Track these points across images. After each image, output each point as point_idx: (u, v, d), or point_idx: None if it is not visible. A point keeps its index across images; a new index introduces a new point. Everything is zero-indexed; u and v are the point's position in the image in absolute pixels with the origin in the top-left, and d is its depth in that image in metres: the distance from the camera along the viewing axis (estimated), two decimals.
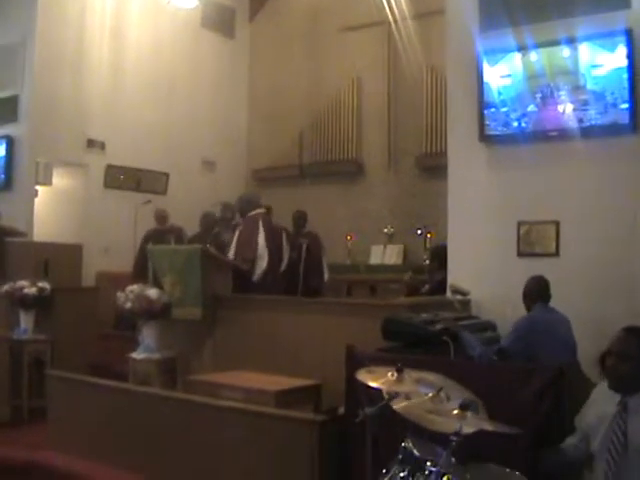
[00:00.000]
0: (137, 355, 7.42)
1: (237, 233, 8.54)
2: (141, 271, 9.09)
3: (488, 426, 3.61)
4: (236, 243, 8.40)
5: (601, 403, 4.02)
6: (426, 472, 3.47)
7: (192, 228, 11.09)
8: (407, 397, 3.92)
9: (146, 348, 7.39)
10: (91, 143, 12.05)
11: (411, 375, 4.01)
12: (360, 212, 12.96)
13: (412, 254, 12.14)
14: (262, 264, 8.37)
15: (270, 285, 8.39)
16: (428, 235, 11.37)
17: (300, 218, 10.19)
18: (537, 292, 5.95)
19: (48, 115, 11.27)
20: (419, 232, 11.65)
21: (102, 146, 12.21)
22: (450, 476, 3.46)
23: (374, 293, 10.83)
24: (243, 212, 8.79)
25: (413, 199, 12.15)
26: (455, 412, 3.52)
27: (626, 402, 3.84)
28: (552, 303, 6.01)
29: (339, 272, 11.69)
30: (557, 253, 7.04)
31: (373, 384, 3.95)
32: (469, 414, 3.53)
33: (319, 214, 12.15)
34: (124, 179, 12.45)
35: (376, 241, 12.61)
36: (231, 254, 8.38)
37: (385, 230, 12.50)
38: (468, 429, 3.47)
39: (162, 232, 10.91)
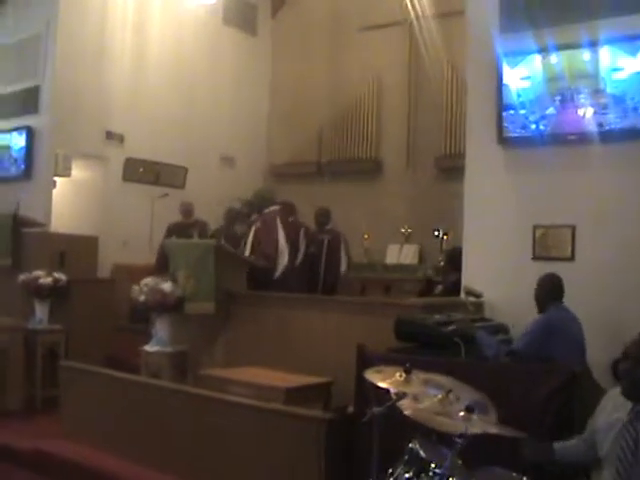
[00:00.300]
0: (150, 348, 7.46)
1: (253, 230, 8.54)
2: (163, 265, 9.09)
3: (494, 429, 3.60)
4: (253, 240, 8.41)
5: (611, 409, 3.98)
6: (430, 474, 3.46)
7: (210, 222, 11.15)
8: (415, 398, 3.92)
9: (159, 341, 7.44)
10: (110, 135, 12.05)
11: (419, 376, 4.00)
12: (378, 211, 12.92)
13: (428, 255, 12.10)
14: (283, 261, 8.40)
15: (290, 282, 8.42)
16: (444, 236, 11.32)
17: (322, 215, 10.18)
18: (552, 290, 5.90)
19: (68, 107, 11.29)
20: (436, 233, 11.61)
21: (121, 139, 12.22)
22: (455, 478, 3.45)
23: (388, 292, 10.80)
24: (259, 208, 8.79)
25: (431, 200, 12.09)
26: (461, 414, 3.51)
27: (638, 410, 3.81)
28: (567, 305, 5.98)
29: (355, 271, 11.66)
30: (572, 257, 7.01)
31: (381, 384, 3.95)
32: (475, 416, 3.52)
33: (336, 212, 12.06)
34: (143, 172, 12.46)
35: (393, 241, 12.56)
36: (247, 250, 8.40)
37: (402, 230, 12.45)
38: (474, 431, 3.46)
39: (186, 226, 10.88)
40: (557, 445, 4.21)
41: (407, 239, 12.44)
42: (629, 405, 3.85)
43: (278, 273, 8.31)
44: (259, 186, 11.84)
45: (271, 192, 9.27)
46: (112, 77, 12.01)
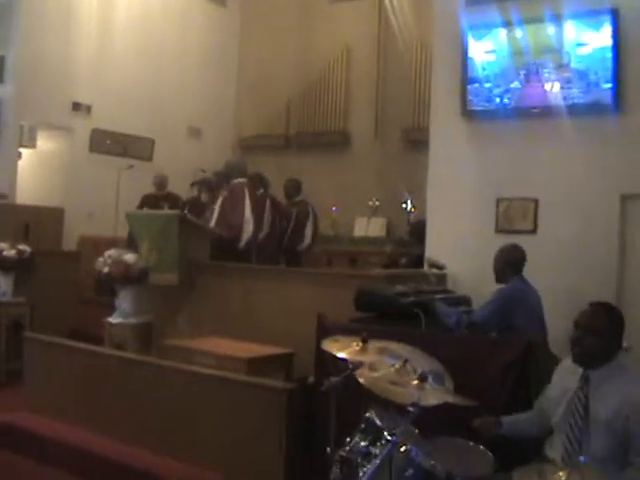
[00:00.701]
0: (113, 319, 7.44)
1: (221, 199, 8.50)
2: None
3: (447, 398, 3.64)
4: (219, 209, 8.37)
5: (564, 378, 4.07)
6: (383, 441, 3.50)
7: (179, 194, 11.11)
8: (372, 367, 3.95)
9: (122, 313, 7.42)
10: (77, 106, 11.94)
11: (376, 345, 4.03)
12: (346, 184, 12.92)
13: (395, 227, 12.16)
14: (248, 232, 8.37)
15: (254, 253, 8.41)
16: (412, 209, 11.37)
17: (291, 187, 10.17)
18: (514, 262, 5.96)
19: (34, 77, 11.15)
20: (404, 206, 11.66)
21: (88, 110, 12.10)
22: (408, 446, 3.49)
23: (354, 265, 10.85)
24: (228, 178, 8.74)
25: (399, 172, 12.10)
26: (414, 383, 3.55)
27: (588, 376, 3.89)
28: (528, 279, 6.04)
29: (322, 243, 11.70)
30: (535, 230, 7.10)
31: (338, 353, 3.98)
32: (428, 385, 3.56)
33: (304, 184, 12.09)
34: (110, 144, 12.36)
35: (360, 213, 12.61)
36: (213, 220, 8.36)
37: (370, 203, 12.49)
38: (428, 401, 3.49)
39: (158, 198, 10.85)
40: (506, 419, 4.28)
41: (375, 212, 12.46)
42: (580, 372, 3.93)
43: (242, 244, 8.27)
44: (227, 158, 11.80)
45: (244, 163, 9.18)
46: (79, 48, 11.87)
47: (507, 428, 4.22)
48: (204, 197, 9.35)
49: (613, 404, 3.73)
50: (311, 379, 5.36)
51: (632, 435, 3.65)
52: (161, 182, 11.16)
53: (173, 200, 10.81)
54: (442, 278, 6.96)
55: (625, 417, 3.66)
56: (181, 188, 11.21)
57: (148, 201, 10.74)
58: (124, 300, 7.46)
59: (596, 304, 4.05)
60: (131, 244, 8.39)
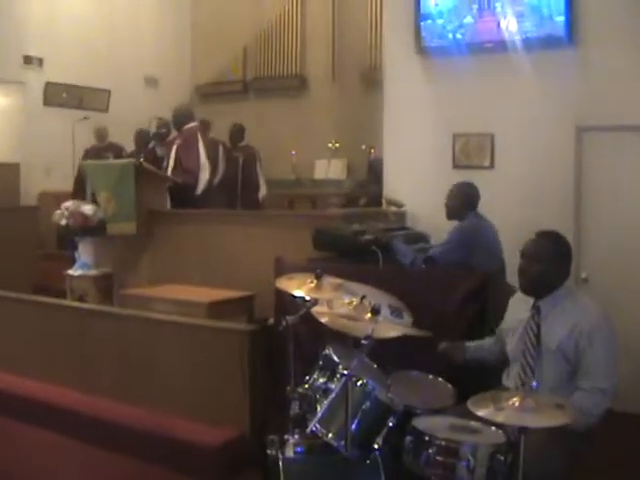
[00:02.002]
0: (73, 272, 7.42)
1: (175, 147, 8.43)
2: (80, 189, 9.00)
3: (402, 330, 3.67)
4: (175, 157, 8.31)
5: (517, 310, 4.13)
6: (338, 375, 3.53)
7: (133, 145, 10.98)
8: (329, 304, 3.97)
9: (82, 265, 7.39)
10: (28, 60, 11.71)
11: (331, 282, 4.04)
12: (305, 127, 12.85)
13: (356, 168, 12.14)
14: (205, 177, 8.33)
15: (212, 199, 8.38)
16: (371, 150, 11.35)
17: (237, 132, 10.11)
18: (469, 199, 5.99)
19: None
20: (363, 147, 11.64)
21: (40, 63, 11.89)
22: (365, 380, 3.52)
23: (315, 207, 10.86)
24: (179, 125, 8.67)
25: (357, 114, 12.01)
26: (367, 316, 3.57)
27: (539, 306, 3.94)
28: (485, 214, 6.07)
29: (283, 187, 11.72)
30: (492, 166, 7.12)
31: (293, 291, 3.99)
32: (382, 318, 3.58)
33: (263, 129, 12.08)
34: (66, 97, 12.16)
35: (320, 156, 12.56)
36: (170, 168, 8.31)
37: (329, 145, 12.43)
38: (382, 333, 3.52)
39: (101, 150, 10.80)
40: (471, 344, 4.34)
41: (335, 154, 12.42)
42: (531, 303, 3.98)
43: (200, 189, 8.23)
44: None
45: (189, 109, 9.10)
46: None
47: (471, 353, 4.28)
48: (159, 151, 9.26)
49: (563, 331, 3.80)
50: (271, 320, 5.39)
51: (580, 359, 3.73)
52: (101, 134, 11.18)
53: (116, 150, 10.78)
54: (401, 216, 6.98)
55: (576, 337, 3.73)
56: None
57: (92, 153, 10.69)
58: (84, 252, 7.44)
59: (541, 233, 4.09)
60: (76, 195, 8.34)
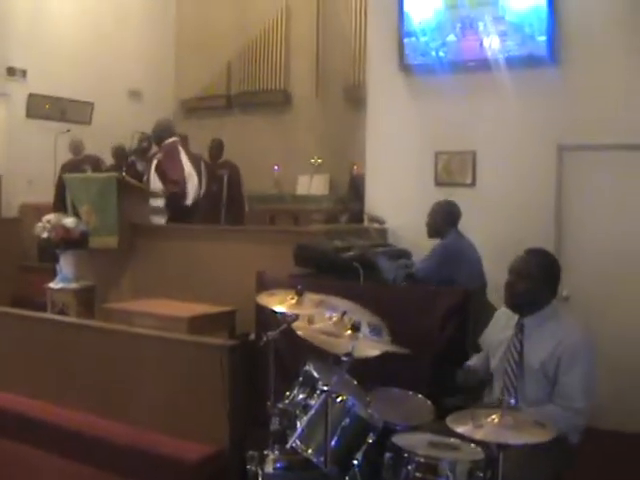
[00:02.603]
0: (54, 285, 7.38)
1: (155, 162, 8.39)
2: (60, 203, 8.97)
3: (382, 347, 3.68)
4: (156, 171, 8.27)
5: (501, 325, 4.16)
6: (318, 392, 3.53)
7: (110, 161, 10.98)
8: (310, 320, 3.98)
9: (63, 278, 7.36)
10: (12, 71, 11.66)
11: (312, 298, 4.05)
12: (288, 143, 12.86)
13: (338, 184, 12.13)
14: (193, 185, 8.32)
15: (201, 209, 8.42)
16: (354, 166, 11.36)
17: (216, 147, 10.13)
18: (449, 217, 6.01)
19: None
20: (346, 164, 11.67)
21: (24, 74, 11.83)
22: (345, 396, 3.53)
23: (297, 222, 10.86)
24: (159, 140, 8.64)
25: (340, 130, 12.06)
26: (347, 333, 3.58)
27: (522, 324, 3.97)
28: (467, 232, 6.10)
29: (265, 202, 11.72)
30: (473, 183, 7.15)
31: (274, 307, 4.00)
32: (362, 335, 3.59)
33: (247, 144, 12.10)
34: (49, 109, 12.13)
35: (303, 171, 12.54)
36: (151, 184, 8.27)
37: (312, 160, 12.42)
38: (362, 351, 3.53)
39: (78, 162, 10.74)
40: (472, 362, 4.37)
41: (317, 169, 12.43)
42: (515, 321, 4.00)
43: (190, 199, 8.22)
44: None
45: (170, 123, 9.07)
46: (11, 11, 11.56)
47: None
48: (140, 166, 9.23)
49: (546, 348, 3.84)
50: (252, 335, 5.39)
51: (559, 378, 3.76)
52: (77, 147, 11.14)
53: (93, 162, 10.74)
54: (383, 232, 7.00)
55: (558, 358, 3.76)
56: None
57: (69, 167, 10.62)
58: (65, 265, 7.41)
59: (530, 250, 4.13)
60: (59, 208, 8.31)
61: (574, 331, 3.93)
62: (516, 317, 4.06)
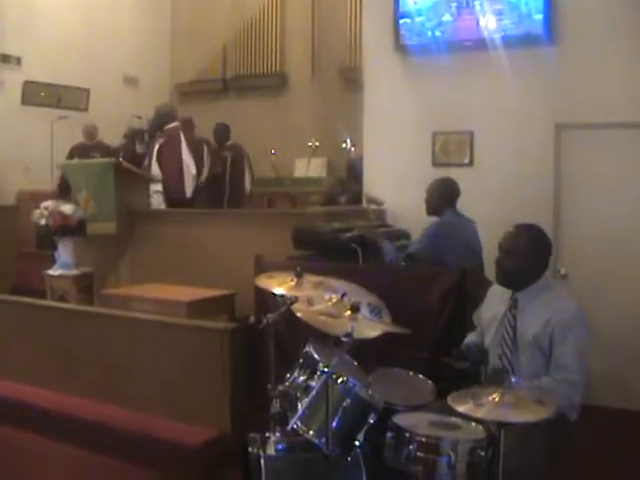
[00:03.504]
0: (53, 272, 7.38)
1: (157, 146, 8.38)
2: (66, 188, 8.93)
3: (382, 327, 3.68)
4: (157, 156, 8.25)
5: (495, 301, 4.18)
6: (318, 373, 3.53)
7: (113, 144, 10.92)
8: (310, 302, 3.98)
9: (62, 265, 7.35)
10: (6, 59, 11.58)
11: (311, 280, 4.05)
12: (285, 125, 12.81)
13: (336, 167, 12.11)
14: (190, 177, 8.32)
15: (201, 198, 8.42)
16: (352, 148, 11.34)
17: (222, 131, 10.11)
18: (447, 195, 5.97)
19: None
20: (344, 145, 11.64)
21: (18, 61, 11.76)
22: (345, 377, 3.52)
23: (295, 205, 10.85)
24: (161, 125, 8.63)
25: (337, 112, 12.01)
26: (347, 314, 3.58)
27: (516, 298, 3.99)
28: (465, 211, 6.07)
29: (263, 185, 11.69)
30: (471, 163, 7.15)
31: (273, 289, 3.99)
32: (361, 316, 3.59)
33: (243, 128, 12.00)
34: (44, 96, 12.08)
35: (301, 154, 12.53)
36: (154, 167, 8.25)
37: (309, 143, 12.41)
38: (362, 332, 3.53)
39: (88, 148, 10.74)
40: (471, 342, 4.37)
41: (315, 152, 12.41)
42: (509, 295, 4.02)
43: (189, 192, 8.23)
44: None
45: (172, 107, 9.04)
46: None
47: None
48: (139, 148, 9.19)
49: (540, 321, 3.86)
50: (252, 318, 5.39)
51: (553, 350, 3.77)
52: (90, 132, 11.10)
53: (103, 149, 10.70)
54: (381, 213, 6.99)
55: (551, 330, 3.79)
56: (118, 137, 11.04)
57: (78, 152, 10.61)
58: (64, 252, 7.40)
59: (519, 225, 4.15)
60: (62, 195, 8.28)
61: (567, 303, 3.95)
62: (509, 292, 4.07)
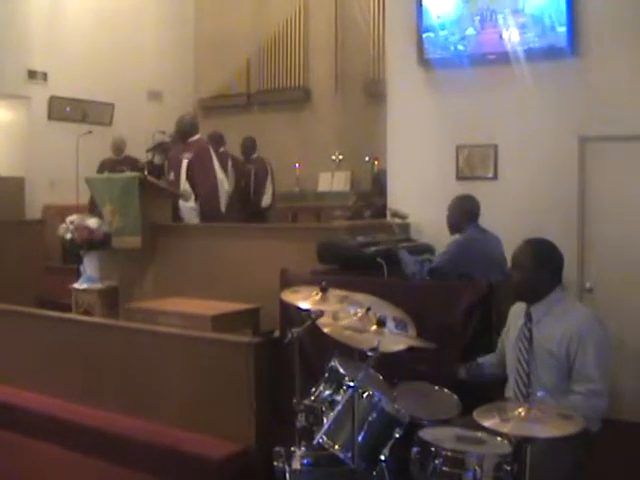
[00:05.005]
0: (79, 285, 7.42)
1: (185, 162, 8.34)
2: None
3: (407, 342, 3.68)
4: (187, 172, 8.26)
5: (516, 317, 4.18)
6: (344, 387, 3.53)
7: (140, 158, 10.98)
8: (334, 316, 3.98)
9: (88, 278, 7.40)
10: (33, 74, 11.71)
11: (336, 294, 4.06)
12: (308, 139, 12.86)
13: (360, 181, 12.13)
14: (224, 191, 8.34)
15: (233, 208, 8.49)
16: (375, 162, 11.36)
17: (248, 145, 10.15)
18: (469, 212, 5.96)
19: None
20: (367, 159, 11.67)
21: (44, 77, 11.89)
22: (371, 391, 3.53)
23: (319, 220, 10.87)
24: (185, 137, 8.60)
25: (361, 125, 12.03)
26: (373, 328, 3.58)
27: (530, 313, 4.00)
28: (489, 225, 6.05)
29: (287, 200, 11.73)
30: (495, 176, 7.12)
31: (298, 303, 4.00)
32: (387, 330, 3.59)
33: (267, 142, 12.06)
34: (70, 111, 12.19)
35: (324, 168, 12.54)
36: (183, 183, 8.27)
37: (333, 157, 12.44)
38: (387, 346, 3.53)
39: (116, 162, 10.81)
40: (485, 361, 4.38)
41: (338, 166, 12.44)
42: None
43: (223, 206, 8.24)
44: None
45: (194, 119, 9.00)
46: (31, 12, 11.60)
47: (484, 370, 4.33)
48: (157, 159, 9.20)
49: (555, 334, 3.88)
50: (277, 332, 5.40)
51: (573, 363, 3.77)
52: (119, 146, 11.15)
53: (131, 164, 10.74)
54: (405, 227, 6.98)
55: (567, 343, 3.78)
56: (143, 152, 11.09)
57: (107, 166, 10.68)
58: (89, 265, 7.45)
59: (526, 240, 4.22)
60: (94, 210, 8.33)
61: (579, 313, 3.97)
62: (524, 307, 4.10)
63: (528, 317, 4.03)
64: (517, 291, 4.11)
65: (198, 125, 8.82)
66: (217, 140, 9.78)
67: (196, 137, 8.59)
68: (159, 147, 9.62)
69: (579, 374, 3.77)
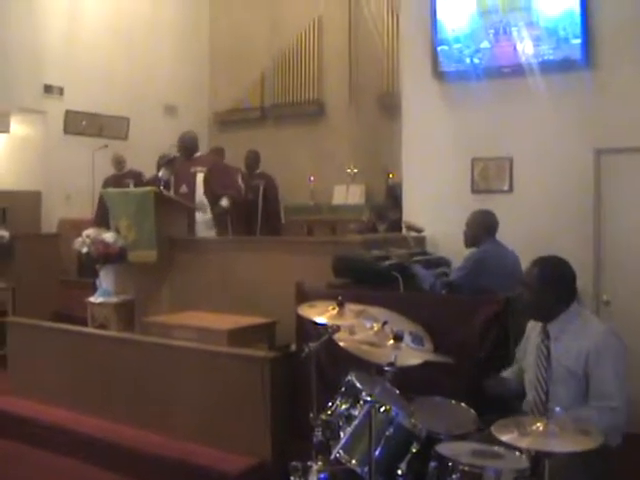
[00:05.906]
0: (95, 299, 7.44)
1: (200, 176, 8.46)
2: (102, 218, 9.04)
3: (424, 356, 3.67)
4: (206, 185, 8.36)
5: (534, 333, 4.17)
6: (361, 402, 3.53)
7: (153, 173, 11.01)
8: (351, 331, 3.98)
9: (104, 292, 7.42)
10: (49, 89, 11.79)
11: (353, 309, 4.05)
12: (323, 153, 12.88)
13: (375, 194, 12.13)
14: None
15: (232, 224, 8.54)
16: (390, 175, 11.35)
17: (253, 158, 10.19)
18: (486, 227, 5.96)
19: (3, 61, 10.96)
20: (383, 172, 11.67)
21: (61, 92, 11.97)
22: (388, 406, 3.52)
23: (334, 233, 10.87)
24: (190, 152, 8.78)
25: (375, 138, 12.07)
26: (390, 343, 3.57)
27: (547, 330, 3.98)
28: (505, 239, 6.04)
29: (301, 213, 11.75)
30: (511, 189, 7.10)
31: (315, 318, 4.00)
32: (404, 345, 3.58)
33: (282, 156, 12.11)
34: (85, 125, 12.27)
35: (339, 181, 12.56)
36: (199, 196, 8.35)
37: (348, 170, 12.45)
38: (405, 360, 3.52)
39: (120, 177, 10.89)
40: (505, 374, 4.37)
41: (353, 179, 12.44)
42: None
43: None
44: (203, 134, 11.72)
45: (196, 135, 9.12)
46: (47, 27, 11.69)
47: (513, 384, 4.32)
48: (165, 175, 9.23)
49: (572, 352, 3.86)
50: (293, 347, 5.40)
51: (589, 379, 3.75)
52: (119, 162, 11.33)
53: (135, 176, 10.83)
54: (421, 241, 6.98)
55: (584, 359, 3.78)
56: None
57: (110, 182, 10.77)
58: (105, 279, 7.48)
59: (535, 260, 4.18)
60: (100, 223, 8.37)
61: (595, 328, 3.94)
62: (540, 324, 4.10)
63: (546, 334, 4.02)
64: (528, 310, 4.13)
65: (196, 140, 9.03)
66: (220, 155, 9.83)
67: (199, 153, 8.83)
68: (171, 162, 9.65)
69: (596, 390, 3.75)
